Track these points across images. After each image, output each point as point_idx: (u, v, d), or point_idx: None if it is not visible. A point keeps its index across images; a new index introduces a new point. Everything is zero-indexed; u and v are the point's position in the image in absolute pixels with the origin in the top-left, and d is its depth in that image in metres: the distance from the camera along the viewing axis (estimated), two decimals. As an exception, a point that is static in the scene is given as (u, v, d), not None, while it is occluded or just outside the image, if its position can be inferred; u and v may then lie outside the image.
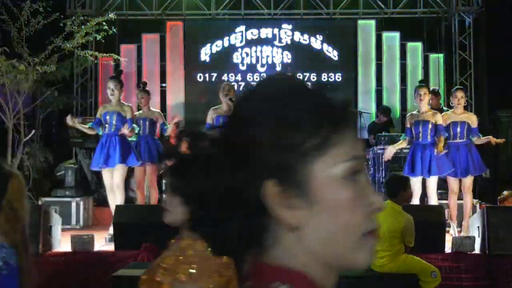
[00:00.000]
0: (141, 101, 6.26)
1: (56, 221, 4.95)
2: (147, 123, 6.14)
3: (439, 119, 5.68)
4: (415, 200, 5.62)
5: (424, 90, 5.71)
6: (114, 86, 5.53)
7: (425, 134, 5.64)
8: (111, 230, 5.44)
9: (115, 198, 5.53)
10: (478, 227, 4.76)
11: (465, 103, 5.94)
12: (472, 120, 5.81)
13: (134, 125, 5.66)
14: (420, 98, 5.68)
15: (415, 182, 5.60)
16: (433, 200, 5.62)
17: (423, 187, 5.73)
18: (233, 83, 9.50)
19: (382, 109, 8.90)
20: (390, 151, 5.70)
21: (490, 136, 5.84)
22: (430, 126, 5.63)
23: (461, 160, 5.68)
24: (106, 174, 5.62)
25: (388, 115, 8.75)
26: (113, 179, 5.54)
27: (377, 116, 8.94)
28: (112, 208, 5.48)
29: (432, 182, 5.62)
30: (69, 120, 5.68)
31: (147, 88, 6.53)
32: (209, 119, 5.74)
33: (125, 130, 5.50)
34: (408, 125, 5.78)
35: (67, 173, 7.02)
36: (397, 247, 3.91)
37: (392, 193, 4.04)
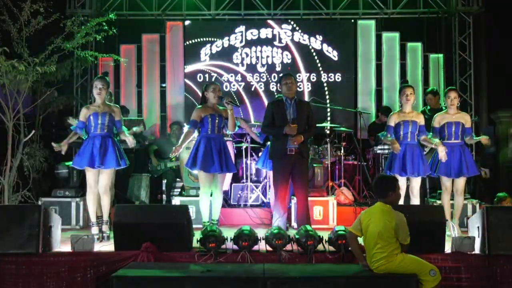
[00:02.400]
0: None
1: (56, 221, 4.93)
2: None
3: (423, 119, 5.78)
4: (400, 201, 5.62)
5: (410, 90, 5.76)
6: (102, 85, 5.44)
7: (413, 135, 5.72)
8: (107, 230, 5.51)
9: (102, 200, 5.44)
10: (478, 227, 4.76)
11: (458, 103, 5.95)
12: (466, 120, 5.86)
13: (124, 127, 5.62)
14: (407, 98, 5.72)
15: (402, 182, 5.60)
16: (417, 200, 5.67)
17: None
18: (233, 83, 9.54)
19: (382, 109, 8.91)
20: (397, 148, 5.66)
21: (481, 136, 5.84)
22: (417, 126, 5.72)
23: (454, 160, 5.72)
24: (90, 174, 5.43)
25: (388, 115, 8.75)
26: (98, 181, 5.41)
27: (377, 116, 8.95)
28: (91, 208, 5.50)
29: (418, 182, 5.68)
30: (56, 147, 5.56)
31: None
32: (197, 117, 5.65)
33: (130, 138, 5.48)
34: (392, 124, 5.76)
35: (67, 173, 7.01)
36: (392, 247, 3.89)
37: (381, 194, 4.03)
